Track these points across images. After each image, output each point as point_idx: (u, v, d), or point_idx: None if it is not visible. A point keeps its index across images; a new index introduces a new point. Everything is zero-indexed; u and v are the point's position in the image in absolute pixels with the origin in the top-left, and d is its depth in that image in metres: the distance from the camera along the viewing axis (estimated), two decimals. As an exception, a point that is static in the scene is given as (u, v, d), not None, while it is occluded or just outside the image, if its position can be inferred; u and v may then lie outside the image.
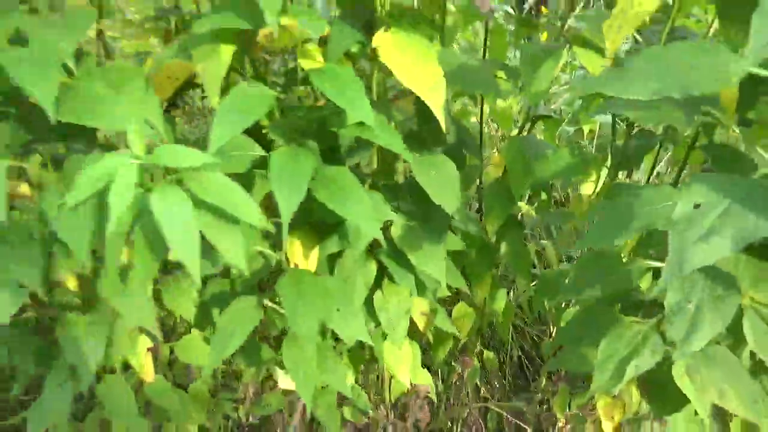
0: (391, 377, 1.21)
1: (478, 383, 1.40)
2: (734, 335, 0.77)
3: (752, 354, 0.87)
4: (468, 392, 1.30)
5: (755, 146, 0.55)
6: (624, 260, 0.74)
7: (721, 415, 1.06)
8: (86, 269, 0.76)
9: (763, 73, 0.43)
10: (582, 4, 0.98)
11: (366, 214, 0.73)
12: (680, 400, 0.87)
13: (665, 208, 0.54)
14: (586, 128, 1.38)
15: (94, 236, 0.64)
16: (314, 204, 0.74)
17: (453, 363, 1.35)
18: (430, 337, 1.28)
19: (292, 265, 0.91)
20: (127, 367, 1.00)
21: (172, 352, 1.08)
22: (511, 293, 1.55)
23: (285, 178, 0.66)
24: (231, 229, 0.66)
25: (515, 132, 1.09)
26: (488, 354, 1.34)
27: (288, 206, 0.64)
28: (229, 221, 0.67)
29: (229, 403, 1.27)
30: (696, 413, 0.97)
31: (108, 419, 1.08)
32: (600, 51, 0.81)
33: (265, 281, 1.03)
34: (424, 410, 1.24)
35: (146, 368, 0.96)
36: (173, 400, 1.04)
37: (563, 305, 1.08)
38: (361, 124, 0.68)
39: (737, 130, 0.56)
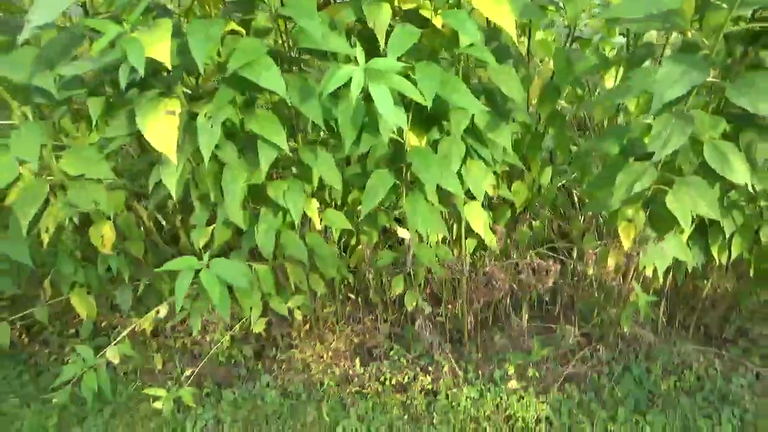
0: (466, 239, 1.70)
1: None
2: (709, 173, 1.21)
3: (720, 187, 1.32)
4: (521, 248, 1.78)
5: (702, 39, 0.99)
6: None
7: (702, 245, 1.52)
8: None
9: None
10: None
11: (469, 100, 1.19)
12: (671, 222, 1.33)
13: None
14: (607, 48, 1.79)
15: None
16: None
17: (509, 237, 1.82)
18: (492, 217, 1.75)
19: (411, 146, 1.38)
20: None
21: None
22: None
23: (426, 77, 1.12)
24: (400, 110, 1.13)
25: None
26: (536, 224, 1.81)
27: (429, 92, 1.10)
28: (399, 105, 1.14)
29: (346, 269, 1.77)
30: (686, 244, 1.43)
31: (282, 264, 1.60)
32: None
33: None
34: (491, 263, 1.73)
35: (316, 220, 1.46)
36: (326, 248, 1.55)
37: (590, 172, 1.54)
38: (470, 45, 1.13)
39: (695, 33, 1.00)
